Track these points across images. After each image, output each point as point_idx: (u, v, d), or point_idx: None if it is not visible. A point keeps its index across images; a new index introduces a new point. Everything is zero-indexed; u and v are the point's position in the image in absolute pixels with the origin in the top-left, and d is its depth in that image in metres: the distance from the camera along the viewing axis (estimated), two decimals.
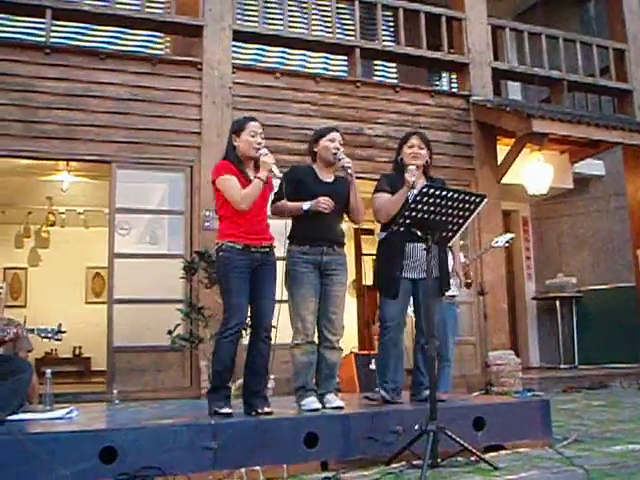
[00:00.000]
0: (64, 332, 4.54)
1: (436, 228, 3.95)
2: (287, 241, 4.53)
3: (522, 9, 12.52)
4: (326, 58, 10.36)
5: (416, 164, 4.64)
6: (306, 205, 4.35)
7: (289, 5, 9.14)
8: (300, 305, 4.36)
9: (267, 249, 4.24)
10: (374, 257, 4.90)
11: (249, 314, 4.26)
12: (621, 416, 5.87)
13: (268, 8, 9.44)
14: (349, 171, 4.40)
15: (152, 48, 9.24)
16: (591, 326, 10.74)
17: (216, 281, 6.60)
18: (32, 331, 4.55)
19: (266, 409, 4.04)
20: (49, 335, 4.49)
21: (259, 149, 4.17)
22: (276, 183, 4.42)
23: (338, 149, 4.49)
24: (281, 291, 4.39)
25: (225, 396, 4.12)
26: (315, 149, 4.60)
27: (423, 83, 10.61)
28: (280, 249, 4.50)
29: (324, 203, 4.32)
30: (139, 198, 8.06)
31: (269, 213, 4.45)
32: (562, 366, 10.85)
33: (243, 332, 5.03)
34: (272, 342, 4.26)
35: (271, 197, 4.45)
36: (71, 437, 3.38)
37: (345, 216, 4.67)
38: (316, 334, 4.46)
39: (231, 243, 4.14)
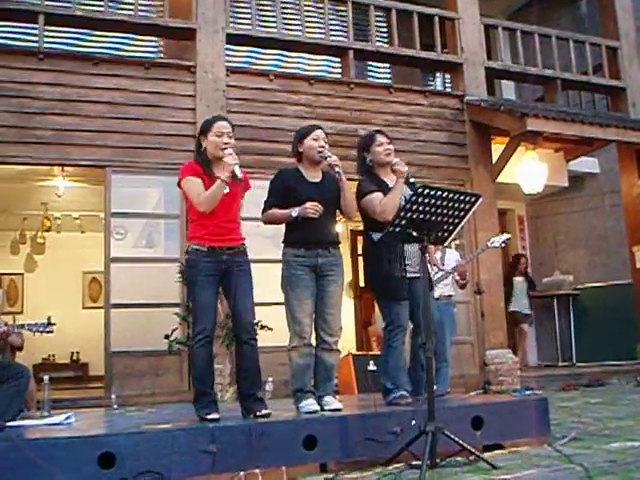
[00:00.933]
0: (54, 324, 4.54)
1: (432, 228, 3.96)
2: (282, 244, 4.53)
3: (515, 8, 12.54)
4: (320, 60, 10.36)
5: (398, 161, 4.67)
6: (295, 212, 4.30)
7: (282, 7, 9.14)
8: (296, 308, 4.34)
9: (235, 250, 4.14)
10: (369, 258, 4.85)
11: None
12: (619, 413, 5.86)
13: (261, 11, 9.44)
14: (337, 169, 4.34)
15: (145, 52, 9.24)
16: (588, 324, 10.76)
17: None
18: (22, 327, 4.56)
19: (264, 411, 4.01)
20: (40, 329, 4.50)
21: (224, 149, 4.09)
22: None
23: (323, 147, 4.44)
24: (277, 293, 4.38)
25: (210, 402, 4.03)
26: (300, 149, 4.53)
27: (417, 83, 10.63)
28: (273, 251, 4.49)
29: (312, 209, 4.27)
30: (134, 202, 8.04)
31: (261, 222, 4.46)
32: (560, 364, 10.88)
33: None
34: (257, 343, 4.18)
35: (252, 201, 4.41)
36: (69, 443, 3.37)
37: (339, 212, 4.61)
38: (313, 336, 4.45)
39: (197, 246, 4.08)
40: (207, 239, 4.07)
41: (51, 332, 4.52)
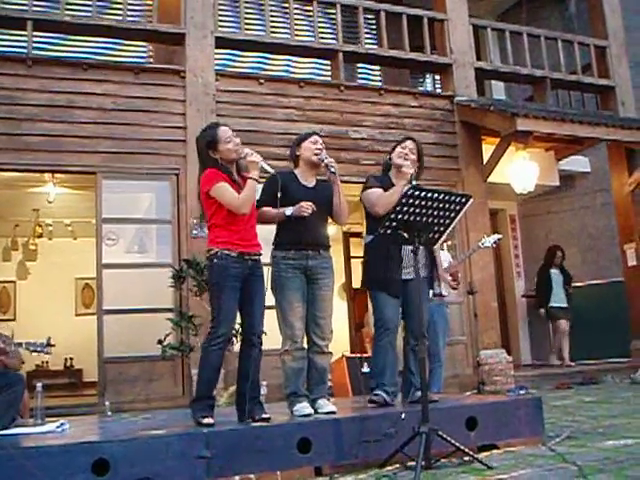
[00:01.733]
0: (53, 345, 4.51)
1: (423, 230, 3.97)
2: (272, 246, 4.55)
3: (503, 9, 12.59)
4: (309, 62, 10.37)
5: (405, 164, 4.70)
6: (288, 211, 4.36)
7: (271, 11, 9.14)
8: (287, 311, 4.36)
9: (258, 257, 4.25)
10: (363, 259, 4.91)
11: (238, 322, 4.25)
12: (613, 411, 5.89)
13: (250, 14, 9.44)
14: (332, 170, 4.42)
15: (135, 57, 9.22)
16: (581, 322, 10.76)
17: (205, 289, 6.60)
18: (20, 345, 4.52)
19: (264, 415, 4.03)
20: (38, 349, 4.46)
21: (240, 150, 4.20)
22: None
23: (321, 150, 4.54)
24: (268, 297, 4.39)
25: (208, 406, 4.05)
26: (298, 152, 4.63)
27: (407, 85, 10.65)
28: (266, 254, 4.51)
29: (306, 208, 4.33)
30: (126, 208, 8.01)
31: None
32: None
33: (234, 339, 5.05)
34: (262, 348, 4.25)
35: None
36: (63, 450, 3.36)
37: (329, 218, 4.68)
38: (305, 339, 4.46)
39: (227, 251, 4.11)
40: (238, 244, 4.13)
41: (49, 353, 4.49)
